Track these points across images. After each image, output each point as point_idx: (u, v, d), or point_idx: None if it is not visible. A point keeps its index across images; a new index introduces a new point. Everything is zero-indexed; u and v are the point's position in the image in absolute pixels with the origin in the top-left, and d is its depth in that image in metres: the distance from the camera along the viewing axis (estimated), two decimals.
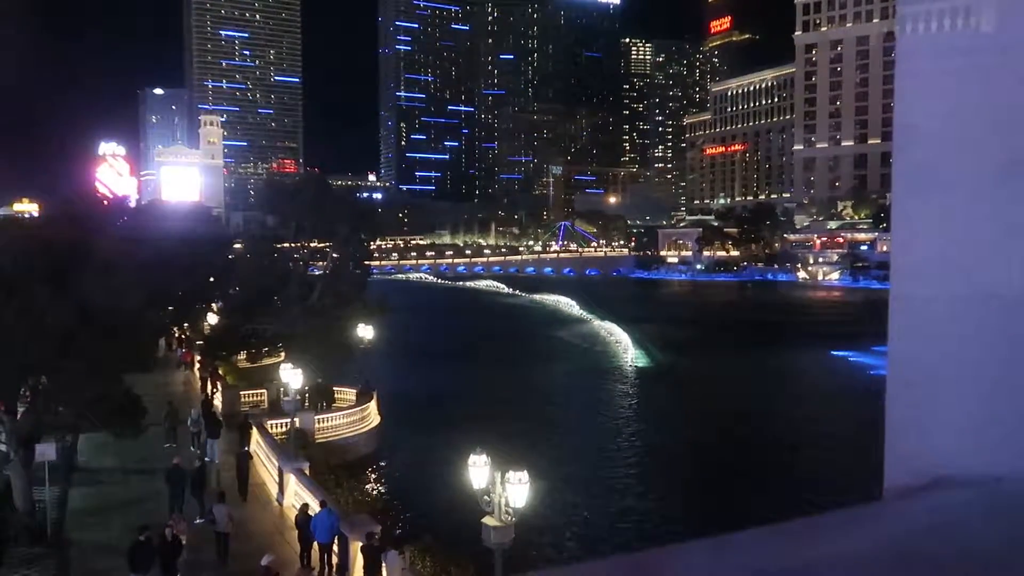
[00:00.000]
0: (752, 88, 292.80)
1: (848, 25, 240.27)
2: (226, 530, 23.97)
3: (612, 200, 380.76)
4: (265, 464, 33.53)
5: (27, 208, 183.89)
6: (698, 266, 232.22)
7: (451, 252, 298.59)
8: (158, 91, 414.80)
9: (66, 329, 23.43)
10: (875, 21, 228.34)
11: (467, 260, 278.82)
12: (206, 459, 33.18)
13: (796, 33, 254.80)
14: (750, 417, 53.61)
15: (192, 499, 27.02)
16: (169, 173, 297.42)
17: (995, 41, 2.71)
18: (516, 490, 17.43)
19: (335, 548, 23.26)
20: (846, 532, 2.40)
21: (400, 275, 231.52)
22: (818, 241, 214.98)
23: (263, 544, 24.37)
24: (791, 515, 2.66)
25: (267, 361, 52.37)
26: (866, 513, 2.57)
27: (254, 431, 36.40)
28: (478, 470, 18.25)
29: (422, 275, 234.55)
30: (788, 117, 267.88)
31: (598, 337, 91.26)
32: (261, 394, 45.78)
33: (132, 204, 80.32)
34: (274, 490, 30.70)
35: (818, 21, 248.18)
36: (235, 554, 23.54)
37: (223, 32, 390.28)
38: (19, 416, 26.15)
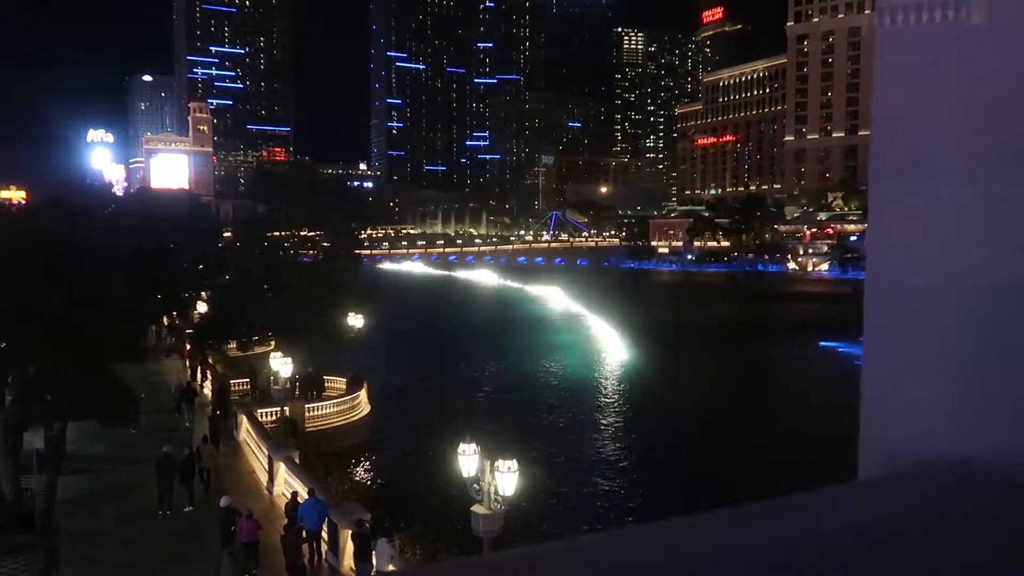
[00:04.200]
0: (744, 79, 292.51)
1: (840, 16, 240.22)
2: (209, 466, 28.96)
3: (603, 190, 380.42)
4: (255, 452, 33.52)
5: (15, 195, 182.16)
6: (688, 256, 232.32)
7: (442, 241, 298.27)
8: (147, 78, 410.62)
9: (55, 317, 23.31)
10: (867, 12, 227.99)
11: (458, 249, 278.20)
12: (187, 424, 35.61)
13: (788, 24, 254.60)
14: (738, 405, 53.91)
15: (181, 488, 27.05)
16: (158, 161, 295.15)
17: (974, 32, 2.73)
18: (505, 478, 17.50)
19: (324, 535, 23.34)
20: (821, 513, 2.45)
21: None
22: (808, 232, 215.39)
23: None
24: (767, 497, 2.71)
25: (258, 350, 52.34)
26: (840, 494, 2.62)
27: (243, 418, 36.37)
28: (467, 458, 18.30)
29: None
30: (779, 108, 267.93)
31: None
32: (249, 382, 45.69)
33: (121, 191, 79.68)
34: (264, 478, 30.72)
35: (810, 12, 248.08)
36: None
37: (213, 18, 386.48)
38: (7, 404, 26.02)
